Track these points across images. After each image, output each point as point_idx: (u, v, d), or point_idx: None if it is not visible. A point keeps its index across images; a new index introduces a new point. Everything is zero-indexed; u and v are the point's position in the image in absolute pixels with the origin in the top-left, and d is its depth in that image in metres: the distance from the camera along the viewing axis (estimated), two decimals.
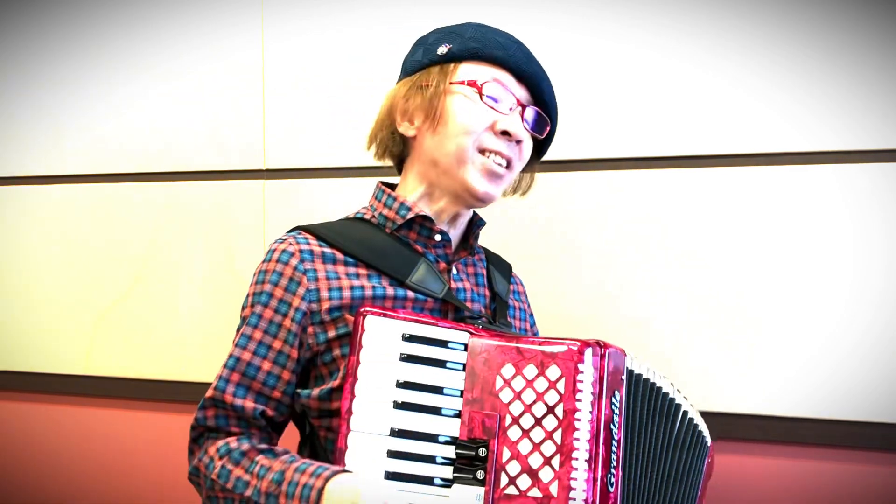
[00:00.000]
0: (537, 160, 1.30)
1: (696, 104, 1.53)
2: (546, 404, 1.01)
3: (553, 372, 1.02)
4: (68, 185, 1.97)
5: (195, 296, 1.86)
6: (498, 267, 1.32)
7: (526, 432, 1.01)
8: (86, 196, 1.95)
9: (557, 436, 1.00)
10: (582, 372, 1.01)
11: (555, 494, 0.98)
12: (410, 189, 1.22)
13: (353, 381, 1.04)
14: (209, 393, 1.13)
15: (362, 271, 1.15)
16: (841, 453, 1.46)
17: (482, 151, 1.15)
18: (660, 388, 1.13)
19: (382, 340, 1.06)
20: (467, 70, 1.17)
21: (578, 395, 1.00)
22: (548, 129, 1.23)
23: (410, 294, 1.15)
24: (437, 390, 1.05)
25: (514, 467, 1.01)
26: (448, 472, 1.02)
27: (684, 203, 1.54)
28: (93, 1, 1.94)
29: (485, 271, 1.28)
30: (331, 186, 1.76)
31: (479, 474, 1.01)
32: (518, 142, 1.17)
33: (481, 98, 1.15)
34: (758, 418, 1.49)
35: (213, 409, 1.12)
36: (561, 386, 1.01)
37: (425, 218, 1.19)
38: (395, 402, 1.04)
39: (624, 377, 1.06)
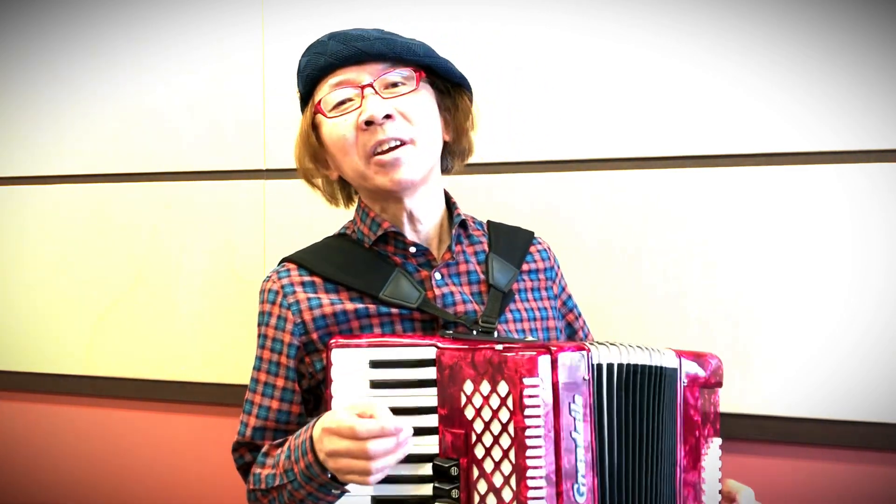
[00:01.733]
0: (458, 88, 1.24)
1: (696, 104, 1.53)
2: (500, 422, 0.98)
3: (502, 388, 0.98)
4: (68, 185, 1.97)
5: (195, 296, 1.86)
6: (504, 251, 1.27)
7: (488, 451, 1.00)
8: (86, 196, 1.95)
9: (512, 454, 0.97)
10: (530, 386, 0.97)
11: None
12: (371, 204, 1.23)
13: None
14: (236, 438, 1.20)
15: (343, 293, 1.18)
16: (841, 453, 1.46)
17: (371, 154, 1.13)
18: (646, 369, 1.08)
19: (351, 370, 1.06)
20: (317, 98, 1.18)
21: (527, 412, 0.96)
22: (418, 75, 1.16)
23: (394, 309, 1.15)
24: (412, 411, 1.04)
25: (482, 486, 1.00)
26: (428, 490, 1.03)
27: (684, 203, 1.54)
28: (93, 1, 1.94)
29: (480, 266, 1.24)
30: None
31: (455, 493, 1.01)
32: (387, 117, 1.12)
33: (326, 117, 1.16)
34: (757, 418, 1.49)
35: (241, 448, 1.20)
36: (510, 403, 0.97)
37: (397, 233, 1.19)
38: None
39: (587, 376, 1.01)
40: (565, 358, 0.99)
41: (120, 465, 1.95)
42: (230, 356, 1.83)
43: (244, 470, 1.20)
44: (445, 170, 1.28)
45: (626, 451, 1.05)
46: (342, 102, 1.15)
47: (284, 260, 1.23)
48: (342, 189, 1.29)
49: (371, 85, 1.14)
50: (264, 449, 1.16)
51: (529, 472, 0.96)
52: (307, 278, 1.19)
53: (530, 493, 0.95)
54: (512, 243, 1.30)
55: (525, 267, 1.29)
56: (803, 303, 1.47)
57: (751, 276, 1.49)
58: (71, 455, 1.99)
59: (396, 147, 1.13)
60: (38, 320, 1.99)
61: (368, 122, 1.12)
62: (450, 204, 1.26)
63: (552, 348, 0.99)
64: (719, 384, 1.18)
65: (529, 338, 1.20)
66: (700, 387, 1.15)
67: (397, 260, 1.20)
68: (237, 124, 1.83)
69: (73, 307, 1.96)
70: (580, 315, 1.37)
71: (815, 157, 1.47)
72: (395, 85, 1.15)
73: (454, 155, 1.28)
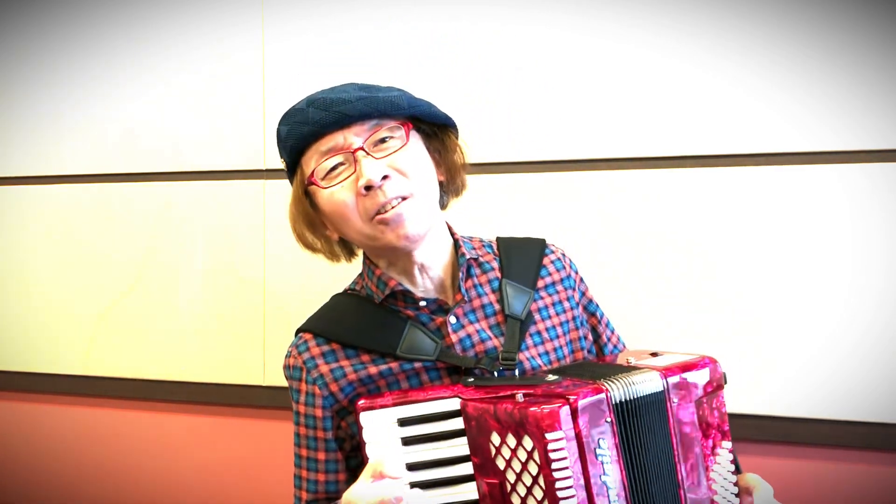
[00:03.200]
0: (444, 129, 1.22)
1: (697, 104, 1.53)
2: (531, 474, 0.98)
3: (527, 442, 0.98)
4: (68, 185, 1.97)
5: (195, 296, 1.86)
6: (517, 272, 1.26)
7: (524, 500, 0.99)
8: (86, 196, 1.95)
9: None
10: (553, 441, 0.96)
11: None
12: (377, 260, 1.22)
13: None
14: None
15: (365, 356, 1.18)
16: (841, 453, 1.46)
17: (374, 215, 1.12)
18: (647, 398, 1.07)
19: (381, 431, 1.07)
20: (305, 167, 1.17)
21: (554, 465, 0.96)
22: (406, 127, 1.15)
23: (417, 364, 1.16)
24: (447, 462, 1.05)
25: None
26: None
27: (684, 203, 1.54)
28: (93, 1, 1.94)
29: (495, 295, 1.23)
30: None
31: None
32: (384, 177, 1.10)
33: (321, 188, 1.14)
34: (757, 418, 1.49)
35: None
36: (537, 457, 0.97)
37: (405, 291, 1.19)
38: (411, 484, 1.04)
39: (611, 419, 1.01)
40: (586, 405, 0.99)
41: (120, 465, 1.95)
42: (230, 356, 1.83)
43: None
44: (441, 206, 1.27)
45: (644, 480, 1.04)
46: (334, 168, 1.14)
47: (300, 331, 1.23)
48: (343, 247, 1.27)
49: (362, 148, 1.12)
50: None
51: None
52: (326, 347, 1.19)
53: None
54: (524, 261, 1.29)
55: (540, 283, 1.27)
56: (803, 303, 1.47)
57: (751, 276, 1.49)
58: (71, 455, 1.99)
59: (397, 204, 1.11)
60: (38, 320, 1.99)
61: (368, 188, 1.10)
62: (455, 238, 1.25)
63: (570, 397, 0.98)
64: (720, 387, 1.15)
65: (550, 378, 1.14)
66: (695, 401, 1.13)
67: (410, 313, 1.19)
68: (237, 124, 1.83)
69: (73, 307, 1.96)
70: (603, 316, 1.33)
71: (815, 157, 1.47)
72: (383, 140, 1.13)
73: (449, 192, 1.27)
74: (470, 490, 1.04)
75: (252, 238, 1.81)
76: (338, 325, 1.21)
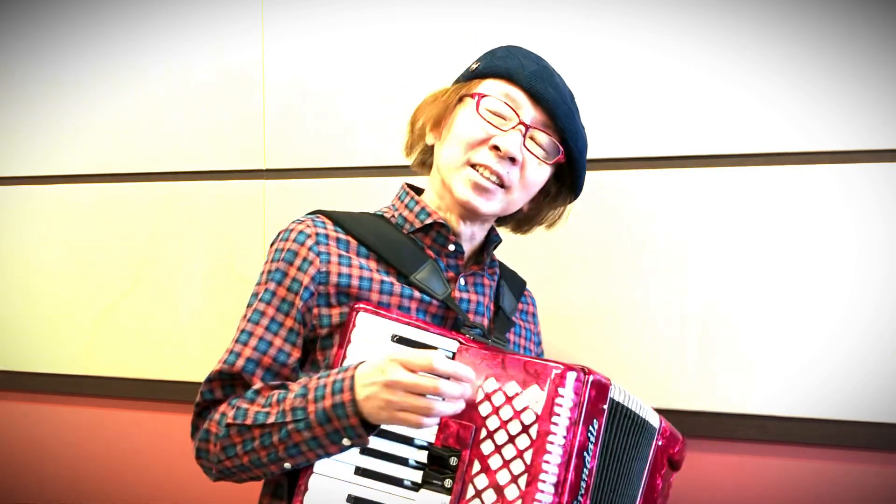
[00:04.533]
0: (569, 193, 1.28)
1: (697, 104, 1.53)
2: (522, 423, 1.00)
3: (533, 391, 1.00)
4: (68, 185, 1.97)
5: (195, 296, 1.86)
6: (510, 284, 1.32)
7: (498, 448, 1.00)
8: (86, 196, 1.95)
9: (528, 456, 0.98)
10: (561, 396, 0.99)
11: None
12: (430, 197, 1.23)
13: None
14: (216, 367, 1.12)
15: (373, 263, 1.16)
16: (841, 453, 1.46)
17: (474, 165, 1.15)
18: (639, 419, 1.13)
19: (371, 338, 1.06)
20: (484, 86, 1.18)
21: (555, 419, 0.98)
22: (560, 157, 1.19)
23: (416, 294, 1.15)
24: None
25: (481, 481, 1.00)
26: (418, 476, 1.03)
27: (684, 203, 1.54)
28: (93, 1, 1.94)
29: (494, 286, 1.28)
30: (331, 186, 1.76)
31: (447, 483, 1.01)
32: (512, 160, 1.14)
33: (477, 108, 1.15)
34: (757, 418, 1.49)
35: (220, 381, 1.13)
36: (539, 406, 0.99)
37: (443, 225, 1.19)
38: None
39: (606, 406, 1.05)
40: (597, 383, 1.03)
41: (120, 465, 1.95)
42: None
43: (203, 406, 1.13)
44: (498, 223, 1.31)
45: (607, 488, 1.08)
46: (497, 110, 1.16)
47: (319, 212, 1.21)
48: (424, 153, 1.28)
49: (529, 127, 1.15)
50: (256, 386, 1.09)
51: (542, 476, 0.97)
52: (342, 236, 1.17)
53: (538, 496, 0.96)
54: (514, 280, 1.35)
55: (520, 306, 1.34)
56: (804, 303, 1.47)
57: (751, 276, 1.49)
58: (71, 455, 1.99)
59: (494, 182, 1.15)
60: (38, 320, 1.99)
61: (497, 147, 1.13)
62: (490, 233, 1.27)
63: (585, 370, 1.02)
64: (679, 466, 1.24)
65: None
66: (668, 458, 1.21)
67: (431, 254, 1.20)
68: (237, 124, 1.83)
69: (73, 307, 1.96)
70: None
71: (815, 157, 1.47)
72: (539, 144, 1.17)
73: (513, 223, 1.31)
74: (429, 432, 1.03)
75: (252, 238, 1.81)
76: (363, 228, 1.19)
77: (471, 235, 1.23)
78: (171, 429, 1.90)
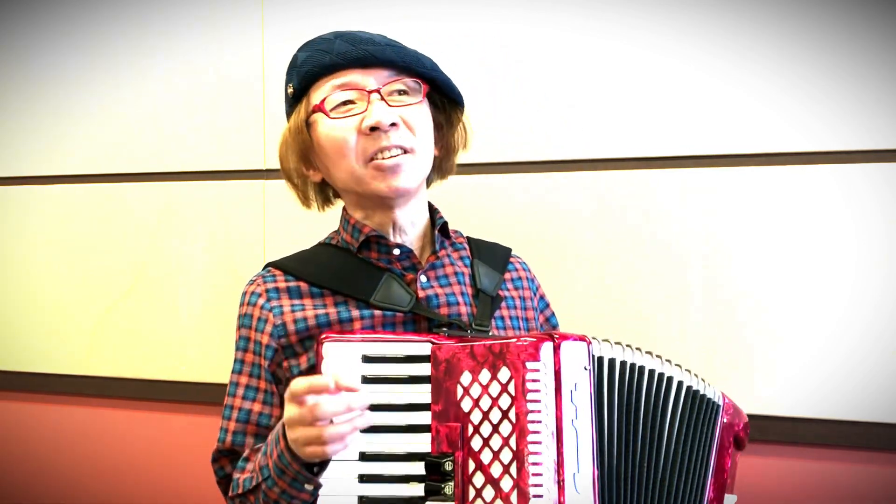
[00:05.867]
0: (455, 107, 1.23)
1: (696, 104, 1.53)
2: (500, 409, 0.98)
3: (504, 374, 0.98)
4: (68, 185, 1.97)
5: (195, 296, 1.86)
6: (486, 259, 1.27)
7: (486, 441, 0.98)
8: (86, 196, 1.95)
9: (513, 441, 0.96)
10: (532, 371, 0.96)
11: (515, 503, 0.95)
12: (357, 213, 1.21)
13: None
14: (216, 446, 1.17)
15: (328, 299, 1.16)
16: (841, 453, 1.46)
17: (371, 159, 1.12)
18: (642, 367, 1.08)
19: (343, 365, 1.04)
20: (315, 95, 1.15)
21: (530, 396, 0.96)
22: (425, 86, 1.15)
23: (377, 313, 1.14)
24: (405, 408, 1.04)
25: (479, 479, 0.98)
26: (420, 490, 1.01)
27: (684, 203, 1.53)
28: (93, 1, 1.94)
29: (467, 270, 1.23)
30: None
31: (449, 489, 1.00)
32: (393, 125, 1.11)
33: (327, 116, 1.13)
34: (758, 418, 1.49)
35: (222, 458, 1.17)
36: (512, 388, 0.97)
37: (379, 236, 1.18)
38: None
39: (589, 367, 1.00)
40: (568, 346, 0.99)
41: (120, 464, 1.95)
42: (230, 356, 1.82)
43: (224, 483, 1.17)
44: (427, 184, 1.27)
45: (627, 449, 1.04)
46: (344, 103, 1.13)
47: (270, 265, 1.22)
48: (319, 192, 1.27)
49: (378, 91, 1.12)
50: (245, 454, 1.13)
51: (530, 458, 0.95)
52: (293, 284, 1.17)
53: (532, 480, 0.94)
54: (493, 253, 1.30)
55: (507, 275, 1.29)
56: (804, 303, 1.47)
57: (751, 277, 1.49)
58: (71, 455, 1.99)
59: (397, 155, 1.12)
60: (38, 320, 1.99)
61: (373, 128, 1.10)
62: (433, 213, 1.25)
63: (555, 336, 0.99)
64: (743, 444, 1.19)
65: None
66: (734, 436, 1.16)
67: (382, 266, 1.18)
68: (237, 124, 1.83)
69: (73, 307, 1.96)
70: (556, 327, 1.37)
71: (815, 157, 1.47)
72: (400, 93, 1.14)
73: (438, 171, 1.27)
74: (424, 441, 1.02)
75: (252, 238, 1.81)
76: (310, 266, 1.19)
77: (411, 222, 1.20)
78: (170, 429, 1.90)
